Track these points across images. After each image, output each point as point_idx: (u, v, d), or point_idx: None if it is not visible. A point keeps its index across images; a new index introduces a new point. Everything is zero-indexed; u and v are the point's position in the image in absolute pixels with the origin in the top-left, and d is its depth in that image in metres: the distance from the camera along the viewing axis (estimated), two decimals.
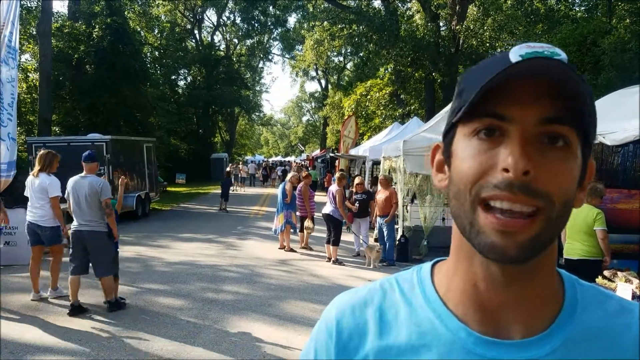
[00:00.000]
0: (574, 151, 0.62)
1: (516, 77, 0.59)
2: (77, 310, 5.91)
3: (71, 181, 6.00)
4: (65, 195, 6.06)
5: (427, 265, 0.78)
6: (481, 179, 0.61)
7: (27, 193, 6.51)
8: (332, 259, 9.25)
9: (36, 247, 6.51)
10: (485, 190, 0.60)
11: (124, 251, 8.86)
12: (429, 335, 0.69)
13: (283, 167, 39.19)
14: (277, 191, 11.16)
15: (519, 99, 0.60)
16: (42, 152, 6.71)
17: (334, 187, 9.60)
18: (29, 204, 6.50)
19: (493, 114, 0.61)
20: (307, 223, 10.34)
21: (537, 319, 0.67)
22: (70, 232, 6.04)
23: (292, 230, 10.71)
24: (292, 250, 10.40)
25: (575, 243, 5.66)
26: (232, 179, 21.01)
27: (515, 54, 0.61)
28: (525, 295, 0.66)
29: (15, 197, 13.26)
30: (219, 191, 16.91)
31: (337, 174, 10.42)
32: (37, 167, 6.46)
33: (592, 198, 5.65)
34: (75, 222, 5.97)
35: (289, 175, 10.99)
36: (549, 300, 0.68)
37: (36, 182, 6.38)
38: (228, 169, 22.39)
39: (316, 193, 17.74)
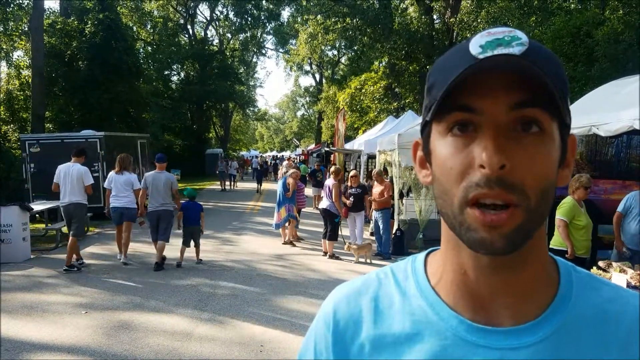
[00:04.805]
0: (550, 134, 0.62)
1: (478, 72, 0.59)
2: (162, 265, 8.06)
3: (149, 176, 8.16)
4: (142, 185, 8.21)
5: (421, 255, 0.79)
6: (464, 179, 0.61)
7: (107, 185, 8.41)
8: (329, 253, 9.25)
9: (120, 226, 8.41)
10: (471, 191, 0.61)
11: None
12: (422, 324, 0.70)
13: (274, 162, 39.77)
14: (277, 186, 11.12)
15: (487, 90, 0.60)
16: (121, 155, 8.59)
17: (329, 181, 9.56)
18: (113, 193, 8.31)
19: (463, 108, 0.61)
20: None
21: (530, 305, 0.67)
22: (148, 211, 8.20)
23: (295, 225, 10.72)
24: (292, 244, 10.42)
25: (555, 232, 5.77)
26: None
27: (475, 45, 0.61)
28: (515, 282, 0.67)
29: (8, 194, 13.20)
30: (214, 187, 16.98)
31: (332, 168, 10.36)
32: (118, 167, 8.36)
33: (573, 189, 5.66)
34: (152, 205, 8.11)
35: (290, 171, 10.92)
36: (541, 287, 0.69)
37: (121, 178, 8.30)
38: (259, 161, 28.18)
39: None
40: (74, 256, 7.94)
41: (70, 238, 7.80)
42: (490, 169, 0.58)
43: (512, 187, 0.59)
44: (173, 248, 8.58)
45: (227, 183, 25.57)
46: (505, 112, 0.60)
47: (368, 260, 8.91)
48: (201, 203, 9.12)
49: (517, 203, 0.59)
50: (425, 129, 0.69)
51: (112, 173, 8.47)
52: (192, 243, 8.47)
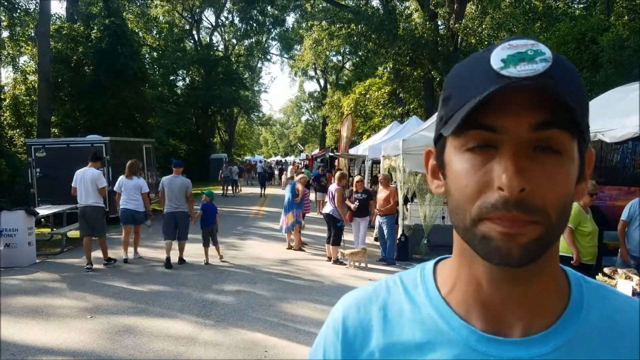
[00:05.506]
0: (569, 153, 0.61)
1: (503, 92, 0.58)
2: (170, 263, 8.53)
3: (166, 180, 8.71)
4: (160, 189, 8.85)
5: (430, 264, 0.79)
6: (479, 198, 0.60)
7: (117, 189, 9.02)
8: (333, 258, 9.24)
9: (127, 226, 8.98)
10: (485, 212, 0.60)
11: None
12: (432, 334, 0.69)
13: (280, 167, 40.05)
14: (281, 191, 11.15)
15: (509, 109, 0.59)
16: (131, 161, 9.24)
17: (333, 186, 9.56)
18: (123, 196, 8.94)
19: (483, 126, 0.60)
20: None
21: (541, 316, 0.67)
22: (165, 212, 8.68)
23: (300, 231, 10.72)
24: (301, 249, 10.42)
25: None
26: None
27: (496, 58, 0.60)
28: (528, 294, 0.66)
29: (14, 198, 13.26)
30: (217, 192, 17.50)
31: (337, 173, 10.35)
32: (127, 172, 8.99)
33: (578, 195, 5.65)
34: (168, 207, 8.61)
35: (299, 176, 10.90)
36: (553, 299, 0.68)
37: (131, 183, 8.95)
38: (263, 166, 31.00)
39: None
40: (87, 257, 8.32)
41: (99, 240, 8.56)
42: (509, 192, 0.57)
43: (533, 209, 0.58)
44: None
45: (230, 188, 25.56)
46: (526, 132, 0.59)
47: (364, 265, 8.88)
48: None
49: (536, 221, 0.59)
50: (440, 141, 0.68)
51: (122, 177, 9.08)
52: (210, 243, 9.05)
